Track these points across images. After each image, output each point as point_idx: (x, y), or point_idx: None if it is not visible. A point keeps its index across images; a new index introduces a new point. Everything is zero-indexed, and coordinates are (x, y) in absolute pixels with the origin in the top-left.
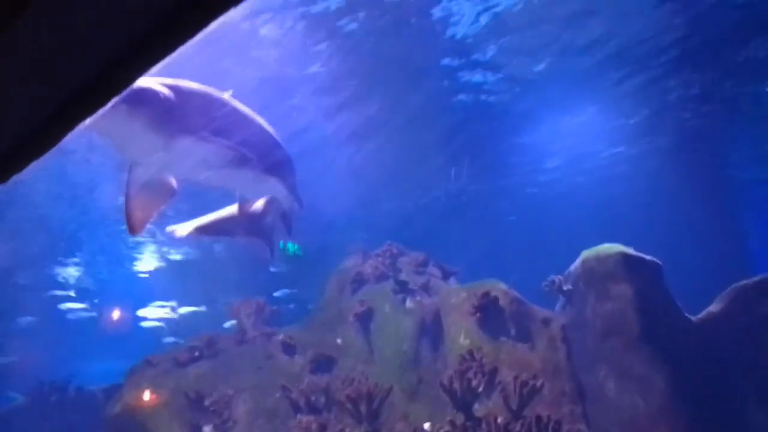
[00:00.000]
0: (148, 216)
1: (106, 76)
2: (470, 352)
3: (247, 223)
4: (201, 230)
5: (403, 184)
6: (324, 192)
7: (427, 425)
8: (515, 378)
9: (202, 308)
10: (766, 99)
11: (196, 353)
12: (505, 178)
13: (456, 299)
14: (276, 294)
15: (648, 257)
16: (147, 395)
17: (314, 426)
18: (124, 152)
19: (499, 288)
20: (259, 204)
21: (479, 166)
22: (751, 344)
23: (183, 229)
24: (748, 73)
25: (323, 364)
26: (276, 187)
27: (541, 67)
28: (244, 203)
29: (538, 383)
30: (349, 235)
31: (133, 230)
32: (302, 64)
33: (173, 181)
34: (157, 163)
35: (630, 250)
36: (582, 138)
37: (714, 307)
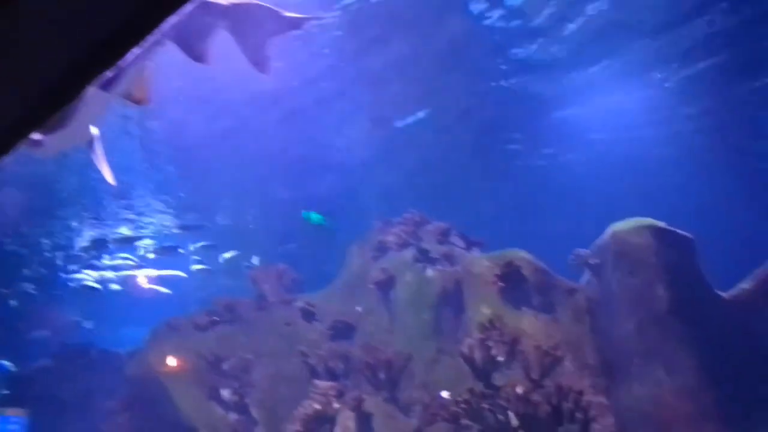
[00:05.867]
0: None
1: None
2: (491, 322)
3: None
4: None
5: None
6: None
7: (445, 393)
8: (536, 348)
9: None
10: None
11: (215, 318)
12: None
13: (478, 268)
14: None
15: (680, 231)
16: (167, 358)
17: (332, 391)
18: None
19: (522, 257)
20: None
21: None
22: None
23: None
24: None
25: (343, 331)
26: None
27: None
28: None
29: (560, 353)
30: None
31: None
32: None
33: None
34: None
35: (661, 224)
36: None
37: (746, 284)
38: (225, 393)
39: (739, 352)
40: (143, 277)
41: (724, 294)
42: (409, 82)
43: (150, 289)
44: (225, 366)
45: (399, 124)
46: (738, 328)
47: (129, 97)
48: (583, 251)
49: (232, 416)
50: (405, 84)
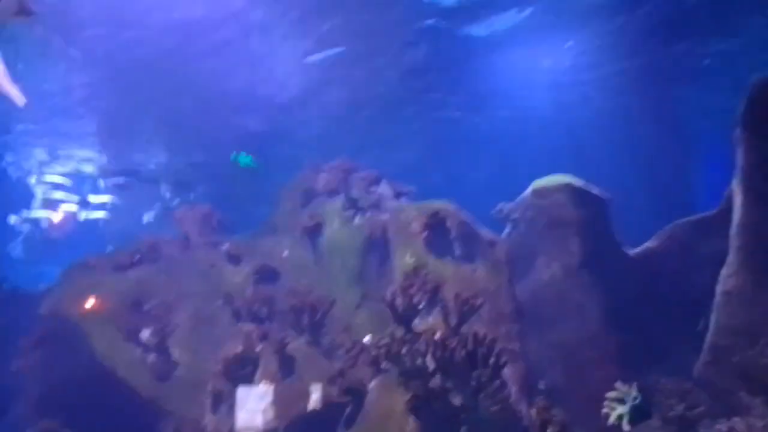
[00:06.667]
0: None
1: None
2: (415, 270)
3: None
4: None
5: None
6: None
7: (367, 337)
8: (456, 296)
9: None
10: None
11: (137, 257)
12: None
13: (405, 217)
14: None
15: (595, 191)
16: (83, 296)
17: (256, 334)
18: None
19: (448, 209)
20: None
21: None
22: (685, 282)
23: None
24: None
25: (268, 275)
26: None
27: None
28: None
29: (478, 302)
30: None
31: None
32: None
33: None
34: None
35: (578, 182)
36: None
37: (652, 243)
38: (145, 333)
39: (639, 304)
40: (62, 215)
41: (630, 251)
42: (337, 17)
43: (67, 228)
44: (145, 306)
45: (323, 62)
46: (639, 282)
47: (15, 15)
48: (505, 205)
49: (152, 357)
50: (333, 19)
